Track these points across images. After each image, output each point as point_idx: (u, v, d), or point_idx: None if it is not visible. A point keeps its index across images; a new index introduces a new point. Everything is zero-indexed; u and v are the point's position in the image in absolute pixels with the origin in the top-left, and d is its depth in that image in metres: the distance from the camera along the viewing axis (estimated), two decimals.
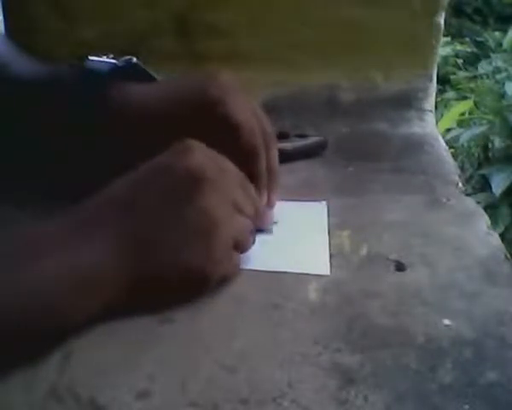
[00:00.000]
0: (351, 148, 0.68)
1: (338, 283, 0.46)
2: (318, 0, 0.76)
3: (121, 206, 0.42)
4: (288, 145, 0.65)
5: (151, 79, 0.57)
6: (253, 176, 0.51)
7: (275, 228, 0.53)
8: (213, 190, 0.43)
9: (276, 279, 0.47)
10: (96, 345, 0.40)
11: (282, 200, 0.57)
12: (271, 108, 0.73)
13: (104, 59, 0.55)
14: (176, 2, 0.76)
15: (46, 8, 0.78)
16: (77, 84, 0.54)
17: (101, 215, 0.42)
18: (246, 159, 0.51)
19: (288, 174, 0.62)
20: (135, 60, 0.56)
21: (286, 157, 0.64)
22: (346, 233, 0.52)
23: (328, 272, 0.47)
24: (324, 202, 0.57)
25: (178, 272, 0.42)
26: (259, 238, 0.50)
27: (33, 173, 0.56)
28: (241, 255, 0.47)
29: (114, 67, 0.55)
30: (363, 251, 0.50)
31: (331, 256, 0.49)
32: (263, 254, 0.49)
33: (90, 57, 0.55)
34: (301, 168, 0.64)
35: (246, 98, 0.53)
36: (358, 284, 0.46)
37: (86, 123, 0.53)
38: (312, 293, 0.45)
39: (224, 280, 0.45)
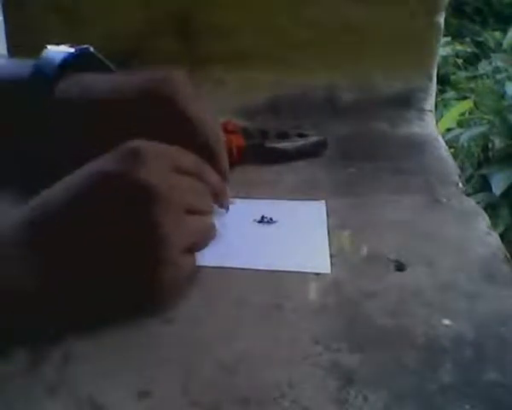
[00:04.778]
0: (351, 148, 0.68)
1: (338, 283, 0.46)
2: (318, 0, 0.76)
3: (55, 217, 0.41)
4: (288, 145, 0.65)
5: (108, 69, 0.56)
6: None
7: (274, 227, 0.53)
8: (163, 204, 0.40)
9: (276, 279, 0.47)
10: (96, 345, 0.40)
11: (282, 199, 0.57)
12: (271, 108, 0.74)
13: (61, 48, 0.54)
14: (176, 2, 0.76)
15: (46, 8, 0.78)
16: (29, 77, 0.53)
17: (34, 226, 0.40)
18: (201, 154, 0.49)
19: (288, 174, 0.62)
20: (92, 49, 0.55)
21: (286, 157, 0.65)
22: (346, 233, 0.52)
23: (328, 271, 0.47)
24: (323, 201, 0.57)
25: (119, 292, 0.41)
26: (259, 238, 0.51)
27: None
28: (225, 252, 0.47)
29: (68, 56, 0.53)
30: (363, 251, 0.50)
31: (331, 256, 0.49)
32: (263, 254, 0.49)
33: (48, 47, 0.54)
34: (301, 168, 0.64)
35: (199, 99, 0.52)
36: (358, 284, 0.46)
37: (37, 117, 0.51)
38: (312, 293, 0.45)
39: (180, 285, 0.43)
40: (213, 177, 0.48)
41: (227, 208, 0.50)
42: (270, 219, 0.54)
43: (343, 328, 0.42)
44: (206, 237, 0.46)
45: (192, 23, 0.77)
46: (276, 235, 0.52)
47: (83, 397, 0.36)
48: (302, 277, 0.47)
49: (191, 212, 0.43)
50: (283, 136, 0.66)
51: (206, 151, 0.50)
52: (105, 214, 0.41)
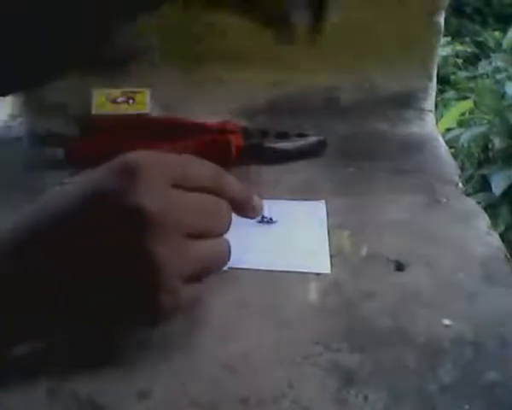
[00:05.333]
0: (351, 148, 0.68)
1: (338, 283, 0.46)
2: None
3: (51, 224, 0.38)
4: (288, 145, 0.65)
5: None
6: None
7: (274, 227, 0.53)
8: (157, 230, 0.36)
9: (276, 279, 0.47)
10: (96, 345, 0.40)
11: (282, 199, 0.57)
12: (271, 108, 0.74)
13: None
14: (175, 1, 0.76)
15: None
16: None
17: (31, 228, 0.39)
18: None
19: (288, 174, 0.62)
20: None
21: (286, 157, 0.65)
22: (346, 233, 0.52)
23: (328, 271, 0.47)
24: (323, 201, 0.57)
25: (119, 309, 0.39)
26: (259, 238, 0.51)
27: None
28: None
29: None
30: (363, 251, 0.50)
31: (331, 256, 0.49)
32: (263, 254, 0.49)
33: None
34: (301, 168, 0.64)
35: None
36: (358, 284, 0.46)
37: None
38: (312, 293, 0.45)
39: (181, 312, 0.41)
40: (235, 187, 0.42)
41: (255, 217, 0.46)
42: (270, 219, 0.54)
43: (343, 328, 0.42)
44: (215, 262, 0.41)
45: (191, 22, 0.77)
46: (276, 235, 0.52)
47: (83, 397, 0.36)
48: (302, 277, 0.47)
49: (197, 234, 0.39)
50: (283, 136, 0.66)
51: None
52: (99, 236, 0.37)
